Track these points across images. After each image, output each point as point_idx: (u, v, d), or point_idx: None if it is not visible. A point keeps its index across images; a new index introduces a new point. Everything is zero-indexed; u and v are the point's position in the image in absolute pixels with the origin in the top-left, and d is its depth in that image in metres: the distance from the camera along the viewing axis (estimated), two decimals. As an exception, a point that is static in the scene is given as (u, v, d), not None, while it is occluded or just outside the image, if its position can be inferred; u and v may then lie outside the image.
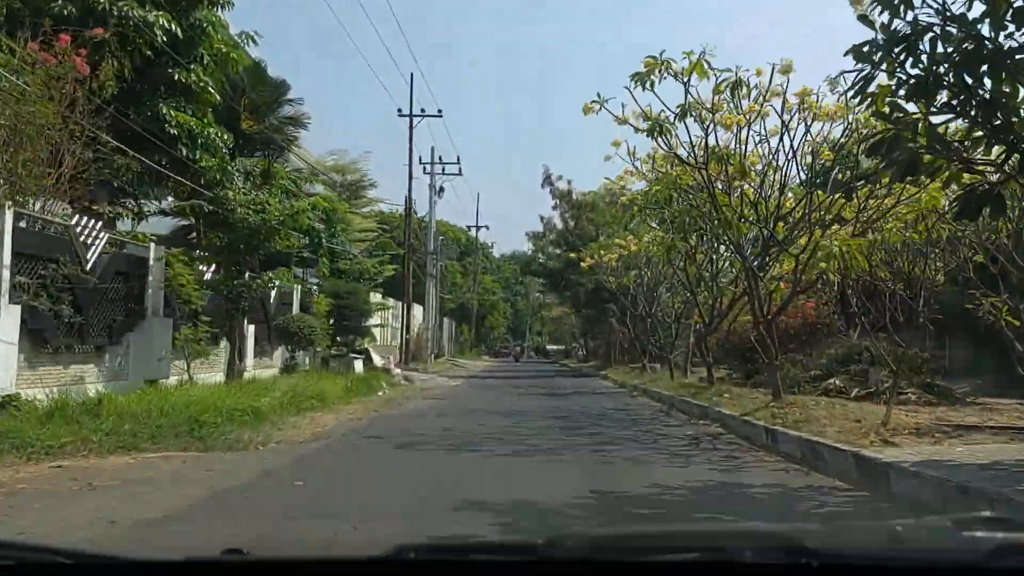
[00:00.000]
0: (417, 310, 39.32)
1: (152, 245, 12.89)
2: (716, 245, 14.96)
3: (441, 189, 35.28)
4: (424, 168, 35.60)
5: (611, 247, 22.66)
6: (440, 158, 35.13)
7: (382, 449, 8.69)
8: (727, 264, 15.46)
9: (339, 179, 30.10)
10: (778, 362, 12.61)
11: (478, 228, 63.19)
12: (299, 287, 18.21)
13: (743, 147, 11.90)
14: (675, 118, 11.04)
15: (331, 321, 18.23)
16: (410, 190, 29.60)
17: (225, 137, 14.43)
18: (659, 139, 11.31)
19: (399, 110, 31.15)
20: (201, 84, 13.97)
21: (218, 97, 14.64)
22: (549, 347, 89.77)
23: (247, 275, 13.37)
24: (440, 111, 32.95)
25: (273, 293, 17.15)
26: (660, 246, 17.81)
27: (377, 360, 22.00)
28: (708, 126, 11.46)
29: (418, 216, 36.36)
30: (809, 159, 13.23)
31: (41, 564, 1.43)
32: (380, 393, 17.99)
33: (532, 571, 1.38)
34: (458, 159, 35.55)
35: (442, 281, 62.64)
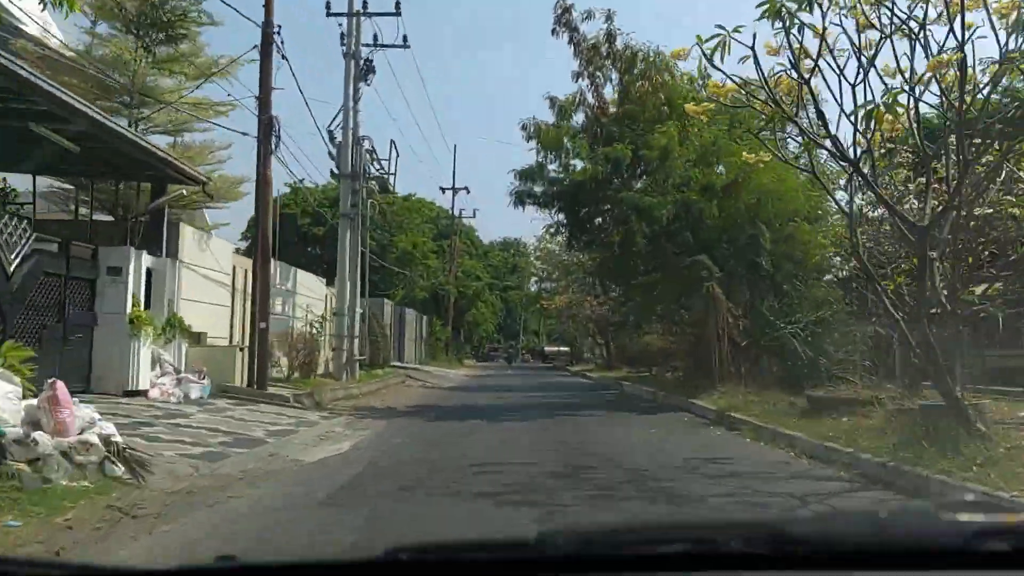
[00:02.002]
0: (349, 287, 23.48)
1: None
2: None
3: (368, 66, 19.47)
4: (341, 37, 19.76)
5: None
6: (365, 4, 19.31)
7: None
8: None
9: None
10: None
11: (455, 191, 47.79)
12: None
13: None
14: None
15: None
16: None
17: None
18: None
19: None
20: None
21: None
22: (548, 348, 74.14)
23: None
24: None
25: None
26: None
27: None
28: None
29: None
30: None
31: None
32: None
33: (524, 568, 1.38)
34: (397, 6, 19.61)
35: (409, 261, 47.62)
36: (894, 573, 1.38)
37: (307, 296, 20.69)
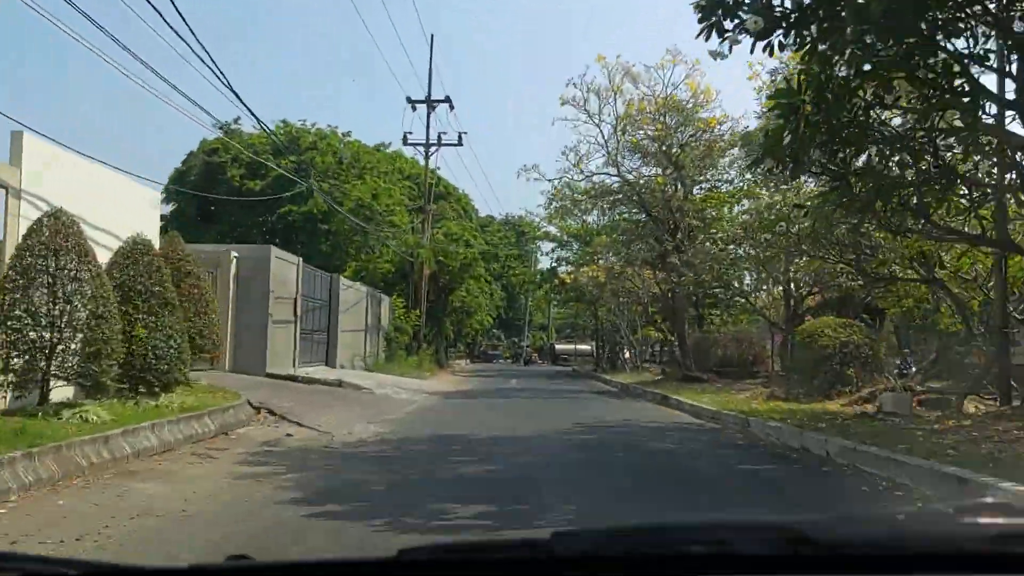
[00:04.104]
0: None
1: None
2: None
3: None
4: None
5: None
6: None
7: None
8: None
9: None
10: None
11: (431, 104, 31.52)
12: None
13: None
14: None
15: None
16: None
17: None
18: None
19: None
20: None
21: None
22: (559, 346, 58.11)
23: None
24: None
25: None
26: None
27: None
28: None
29: None
30: None
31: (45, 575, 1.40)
32: None
33: (539, 568, 1.37)
34: None
35: (369, 218, 33.25)
36: None
37: None
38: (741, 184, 24.33)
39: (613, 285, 23.02)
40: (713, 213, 22.28)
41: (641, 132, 20.27)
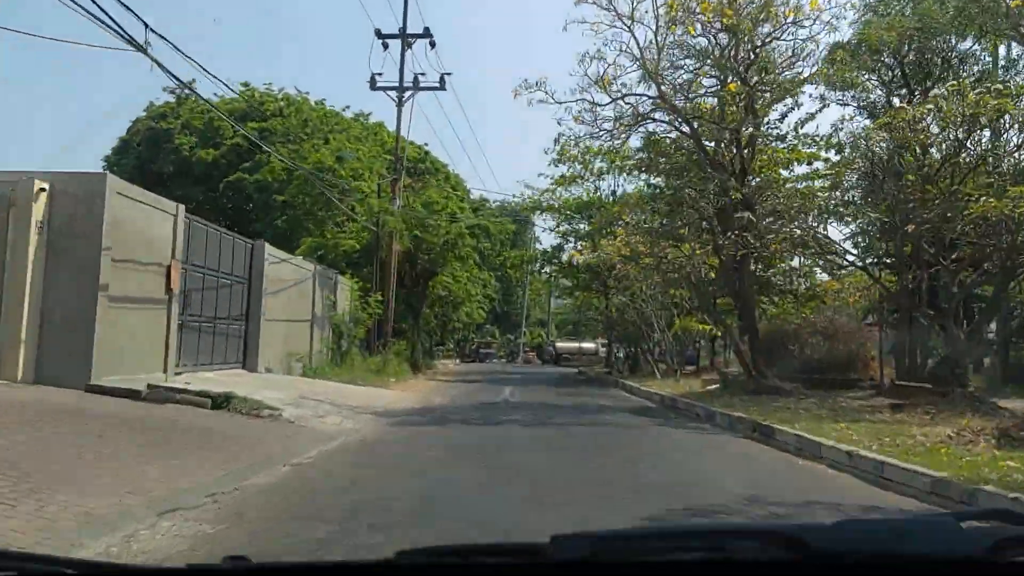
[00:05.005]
0: None
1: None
2: None
3: None
4: None
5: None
6: None
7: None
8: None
9: None
10: None
11: (406, 39, 24.60)
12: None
13: None
14: None
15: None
16: None
17: None
18: None
19: None
20: None
21: None
22: (562, 345, 51.41)
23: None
24: None
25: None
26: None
27: None
28: None
29: None
30: None
31: (43, 575, 1.38)
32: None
33: (537, 573, 1.36)
34: None
35: (332, 185, 27.16)
36: None
37: None
38: (795, 142, 18.10)
39: (648, 260, 16.27)
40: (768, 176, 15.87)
41: (699, 25, 13.53)
